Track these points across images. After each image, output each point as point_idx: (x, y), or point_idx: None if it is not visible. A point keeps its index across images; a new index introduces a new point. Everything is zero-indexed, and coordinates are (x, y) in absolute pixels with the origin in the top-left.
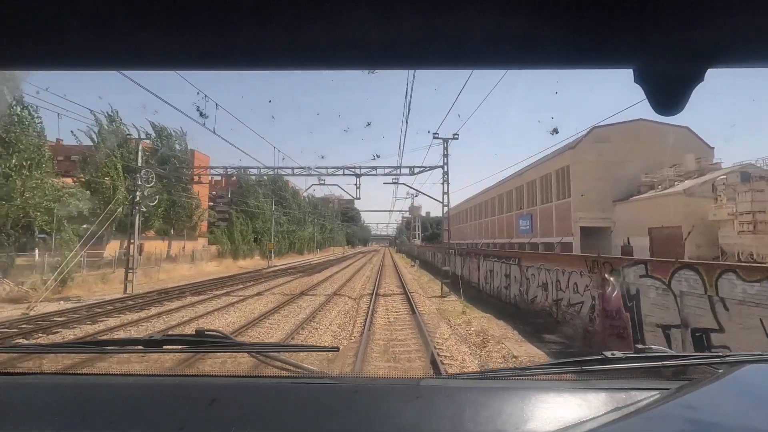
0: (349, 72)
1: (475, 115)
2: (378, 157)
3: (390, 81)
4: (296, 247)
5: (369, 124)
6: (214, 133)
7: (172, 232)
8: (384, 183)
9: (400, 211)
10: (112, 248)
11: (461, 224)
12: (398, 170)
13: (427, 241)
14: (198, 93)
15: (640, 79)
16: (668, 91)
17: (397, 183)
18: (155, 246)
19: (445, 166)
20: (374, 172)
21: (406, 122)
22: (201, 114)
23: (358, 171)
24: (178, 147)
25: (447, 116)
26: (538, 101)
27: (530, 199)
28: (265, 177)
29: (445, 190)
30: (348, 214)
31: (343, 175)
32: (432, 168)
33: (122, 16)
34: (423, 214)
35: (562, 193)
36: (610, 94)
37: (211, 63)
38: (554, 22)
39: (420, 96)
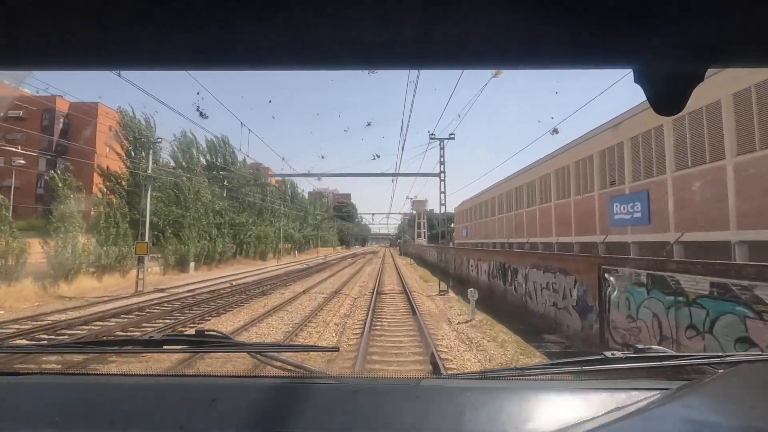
0: (349, 72)
1: (475, 116)
2: (378, 157)
3: (390, 81)
4: (255, 249)
5: (369, 124)
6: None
7: None
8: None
9: (399, 213)
10: None
11: (484, 219)
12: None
13: (434, 240)
14: (198, 93)
15: (640, 79)
16: (668, 91)
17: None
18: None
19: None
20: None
21: (407, 126)
22: (201, 114)
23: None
24: None
25: (446, 117)
26: (538, 101)
27: (640, 167)
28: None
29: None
30: (343, 209)
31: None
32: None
33: (122, 16)
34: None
35: (752, 138)
36: (610, 93)
37: (211, 63)
38: (554, 22)
39: (420, 97)
